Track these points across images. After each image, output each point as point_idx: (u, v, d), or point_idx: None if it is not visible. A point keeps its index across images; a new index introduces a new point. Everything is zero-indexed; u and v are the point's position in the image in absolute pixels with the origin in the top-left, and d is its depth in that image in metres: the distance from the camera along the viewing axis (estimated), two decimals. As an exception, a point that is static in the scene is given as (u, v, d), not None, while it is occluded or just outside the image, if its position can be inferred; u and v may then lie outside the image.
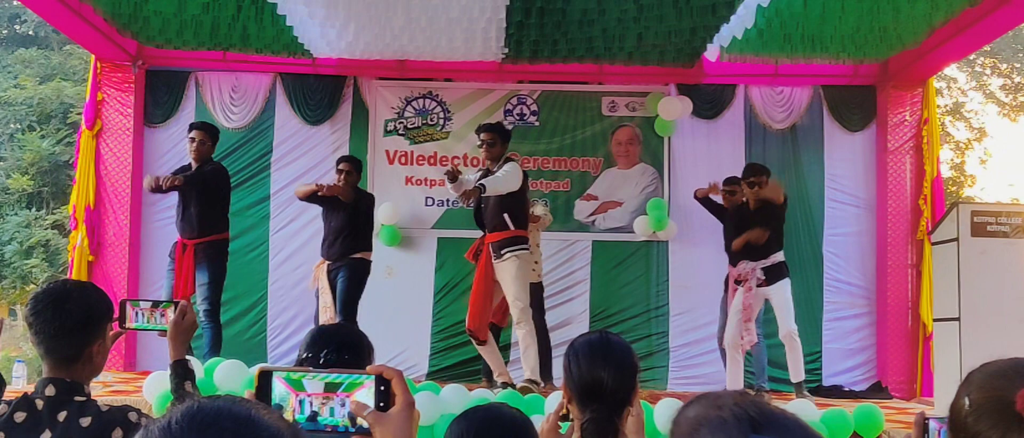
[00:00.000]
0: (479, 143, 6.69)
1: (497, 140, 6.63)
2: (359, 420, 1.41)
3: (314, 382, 1.42)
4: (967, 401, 1.68)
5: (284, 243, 8.60)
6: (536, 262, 7.35)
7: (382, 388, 1.42)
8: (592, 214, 8.78)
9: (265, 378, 1.42)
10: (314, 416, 1.41)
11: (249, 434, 1.03)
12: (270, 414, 1.08)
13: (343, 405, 1.41)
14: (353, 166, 7.33)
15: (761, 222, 6.99)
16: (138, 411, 2.35)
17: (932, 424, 1.98)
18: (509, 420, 2.28)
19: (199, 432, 1.01)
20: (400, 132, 8.82)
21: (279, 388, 1.42)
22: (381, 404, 1.42)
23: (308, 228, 8.29)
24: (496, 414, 2.29)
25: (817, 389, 7.86)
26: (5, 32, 19.43)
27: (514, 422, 2.28)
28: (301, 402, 1.41)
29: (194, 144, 7.00)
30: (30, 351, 11.28)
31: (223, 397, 1.08)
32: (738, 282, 7.08)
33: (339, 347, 2.26)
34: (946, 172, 16.07)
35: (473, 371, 7.92)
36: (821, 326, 8.57)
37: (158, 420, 1.03)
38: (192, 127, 7.17)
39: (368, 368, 1.44)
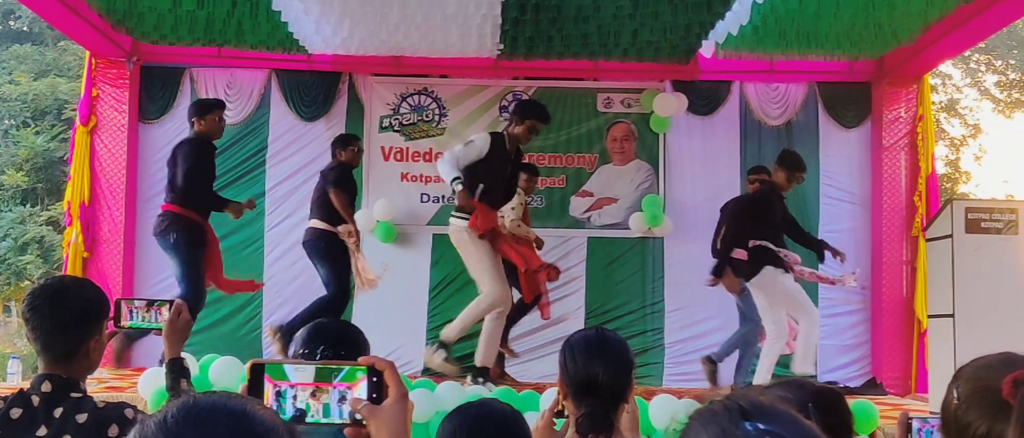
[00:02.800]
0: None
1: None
2: (354, 412, 1.40)
3: (304, 374, 1.40)
4: (956, 394, 1.70)
5: (279, 239, 8.58)
6: None
7: (374, 380, 1.41)
8: (587, 210, 8.78)
9: (257, 372, 1.41)
10: (304, 414, 1.39)
11: (244, 428, 1.03)
12: (265, 409, 1.08)
13: (342, 400, 1.40)
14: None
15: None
16: (134, 408, 2.35)
17: (914, 424, 1.98)
18: (501, 416, 2.29)
19: (194, 427, 1.01)
20: (395, 128, 8.81)
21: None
22: (374, 396, 1.40)
23: (303, 224, 8.26)
24: (488, 410, 2.30)
25: (812, 385, 7.86)
26: (0, 28, 19.39)
27: (506, 418, 2.29)
28: (283, 393, 1.40)
29: (222, 123, 7.02)
30: (25, 347, 11.26)
31: (218, 393, 1.08)
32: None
33: (335, 343, 2.25)
34: (941, 169, 16.12)
35: (469, 368, 7.91)
36: (816, 322, 8.57)
37: (154, 415, 1.04)
38: (218, 104, 7.11)
39: (360, 359, 1.42)
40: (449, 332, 6.66)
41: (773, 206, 7.05)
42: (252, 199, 7.33)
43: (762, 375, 6.88)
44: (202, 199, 6.79)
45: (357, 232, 7.23)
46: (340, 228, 7.14)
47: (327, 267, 7.23)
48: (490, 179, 6.50)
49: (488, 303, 6.52)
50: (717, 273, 7.27)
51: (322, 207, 7.22)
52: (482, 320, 6.62)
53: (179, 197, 6.68)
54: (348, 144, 7.49)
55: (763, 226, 6.96)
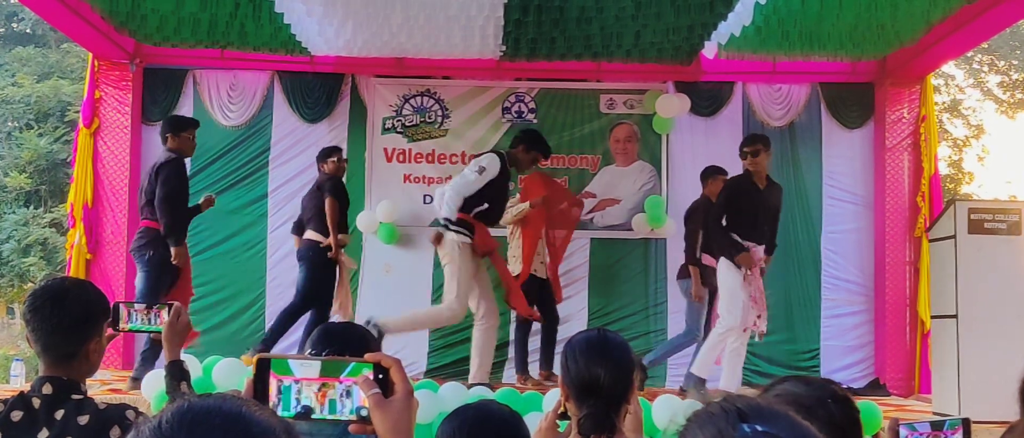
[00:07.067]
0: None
1: None
2: (359, 408, 1.40)
3: (310, 370, 1.40)
4: None
5: (282, 241, 8.57)
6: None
7: (380, 376, 1.41)
8: (590, 212, 8.76)
9: (263, 366, 1.40)
10: (309, 410, 1.39)
11: (240, 430, 1.03)
12: (261, 410, 1.07)
13: (348, 395, 1.40)
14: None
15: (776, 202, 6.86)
16: (136, 409, 2.34)
17: (902, 431, 1.97)
18: (500, 417, 2.29)
19: (189, 430, 1.01)
20: (398, 130, 8.81)
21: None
22: (380, 392, 1.41)
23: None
24: (487, 411, 2.30)
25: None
26: (2, 30, 19.44)
27: (505, 419, 2.29)
28: (287, 389, 1.39)
29: (194, 142, 6.80)
30: (28, 350, 11.26)
31: (213, 395, 1.07)
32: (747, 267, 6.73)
33: (344, 346, 2.25)
34: (944, 169, 16.08)
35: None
36: (819, 323, 8.58)
37: (149, 420, 1.03)
38: (192, 122, 6.86)
39: (367, 356, 1.42)
40: (389, 322, 6.65)
41: (749, 196, 6.70)
42: (210, 196, 7.05)
43: (702, 367, 6.65)
44: (182, 223, 6.56)
45: (337, 245, 7.20)
46: (335, 239, 7.16)
47: (306, 275, 7.28)
48: (493, 200, 6.74)
49: (443, 316, 6.75)
50: (682, 275, 7.44)
51: (320, 218, 7.24)
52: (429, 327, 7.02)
53: (158, 217, 6.44)
54: (329, 156, 7.50)
55: (739, 218, 6.64)
